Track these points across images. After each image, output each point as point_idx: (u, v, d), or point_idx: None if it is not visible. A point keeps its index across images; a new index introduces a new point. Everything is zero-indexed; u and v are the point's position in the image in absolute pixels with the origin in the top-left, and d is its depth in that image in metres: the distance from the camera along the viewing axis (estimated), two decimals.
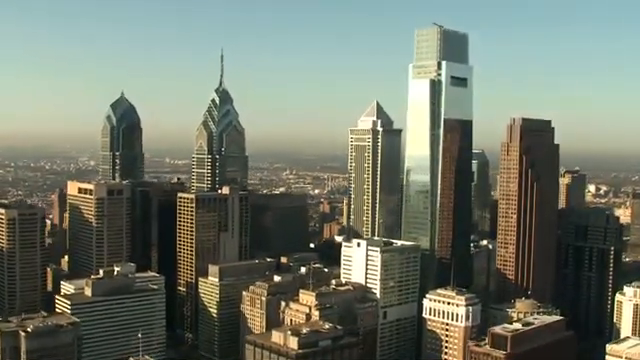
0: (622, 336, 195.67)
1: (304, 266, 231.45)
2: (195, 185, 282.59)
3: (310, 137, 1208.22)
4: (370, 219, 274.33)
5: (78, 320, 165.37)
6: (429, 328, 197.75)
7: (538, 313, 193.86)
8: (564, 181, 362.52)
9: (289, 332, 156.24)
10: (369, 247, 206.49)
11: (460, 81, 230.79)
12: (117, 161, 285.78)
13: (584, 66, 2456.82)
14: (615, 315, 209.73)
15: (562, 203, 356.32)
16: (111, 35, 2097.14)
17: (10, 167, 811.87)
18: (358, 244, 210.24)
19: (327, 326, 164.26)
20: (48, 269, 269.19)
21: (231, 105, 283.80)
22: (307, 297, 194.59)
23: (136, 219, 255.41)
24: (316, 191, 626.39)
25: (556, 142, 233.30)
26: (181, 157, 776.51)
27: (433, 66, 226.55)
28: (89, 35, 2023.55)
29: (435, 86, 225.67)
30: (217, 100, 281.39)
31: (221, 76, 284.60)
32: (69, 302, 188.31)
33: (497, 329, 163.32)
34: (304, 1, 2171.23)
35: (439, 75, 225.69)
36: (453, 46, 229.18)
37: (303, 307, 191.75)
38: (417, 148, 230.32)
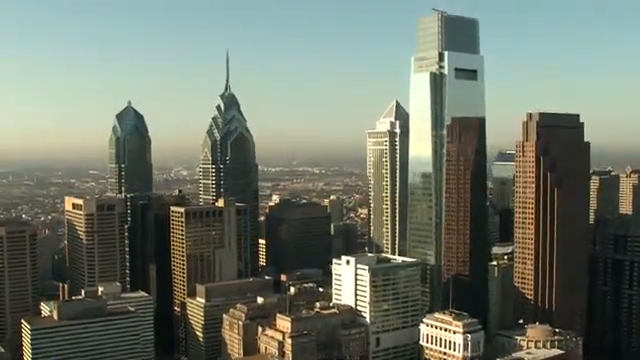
0: None
1: (306, 284, 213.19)
2: (202, 197, 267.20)
3: None
4: (390, 231, 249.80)
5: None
6: (426, 357, 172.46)
7: (552, 342, 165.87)
8: (630, 182, 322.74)
9: None
10: (358, 265, 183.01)
11: (468, 73, 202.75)
12: (123, 173, 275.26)
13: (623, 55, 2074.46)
14: None
15: (629, 207, 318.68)
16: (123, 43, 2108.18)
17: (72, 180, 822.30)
18: (347, 262, 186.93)
19: None
20: (65, 285, 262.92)
21: (237, 111, 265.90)
22: (283, 322, 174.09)
23: (136, 234, 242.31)
24: None
25: (587, 139, 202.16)
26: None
27: (434, 57, 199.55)
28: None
29: (436, 80, 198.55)
30: (222, 106, 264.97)
31: (227, 80, 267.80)
32: (29, 326, 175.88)
33: None
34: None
35: (441, 67, 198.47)
36: (459, 34, 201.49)
37: (278, 334, 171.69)
38: (419, 150, 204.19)
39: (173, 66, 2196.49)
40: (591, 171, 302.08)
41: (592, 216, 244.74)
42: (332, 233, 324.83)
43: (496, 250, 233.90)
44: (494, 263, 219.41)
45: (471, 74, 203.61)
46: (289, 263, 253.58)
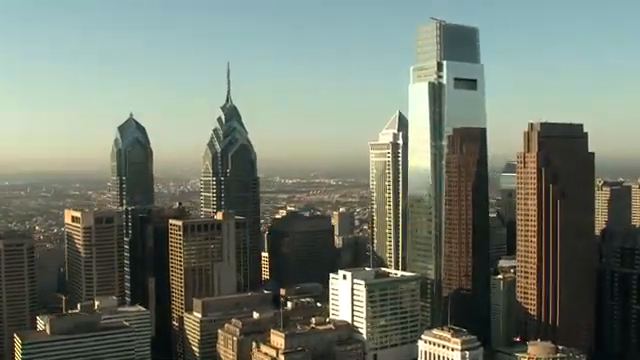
0: None
1: (303, 299, 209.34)
2: (203, 210, 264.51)
3: None
4: (393, 244, 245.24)
5: None
6: None
7: (554, 359, 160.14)
8: None
9: None
10: (354, 280, 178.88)
11: (468, 83, 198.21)
12: (124, 186, 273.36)
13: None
14: None
15: None
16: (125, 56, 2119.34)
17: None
18: (344, 276, 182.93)
19: None
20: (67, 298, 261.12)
21: (238, 122, 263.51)
22: (277, 338, 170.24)
23: (136, 247, 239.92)
24: None
25: (593, 150, 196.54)
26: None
27: (433, 67, 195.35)
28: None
29: (435, 90, 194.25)
30: (223, 118, 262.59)
31: (228, 91, 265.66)
32: (20, 341, 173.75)
33: None
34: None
35: (440, 77, 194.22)
36: (459, 43, 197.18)
37: (272, 350, 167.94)
38: (418, 162, 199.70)
39: (174, 77, 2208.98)
40: (602, 182, 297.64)
41: (604, 227, 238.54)
42: (341, 246, 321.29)
43: (502, 263, 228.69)
44: (500, 277, 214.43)
45: (471, 84, 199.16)
46: (292, 277, 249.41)
